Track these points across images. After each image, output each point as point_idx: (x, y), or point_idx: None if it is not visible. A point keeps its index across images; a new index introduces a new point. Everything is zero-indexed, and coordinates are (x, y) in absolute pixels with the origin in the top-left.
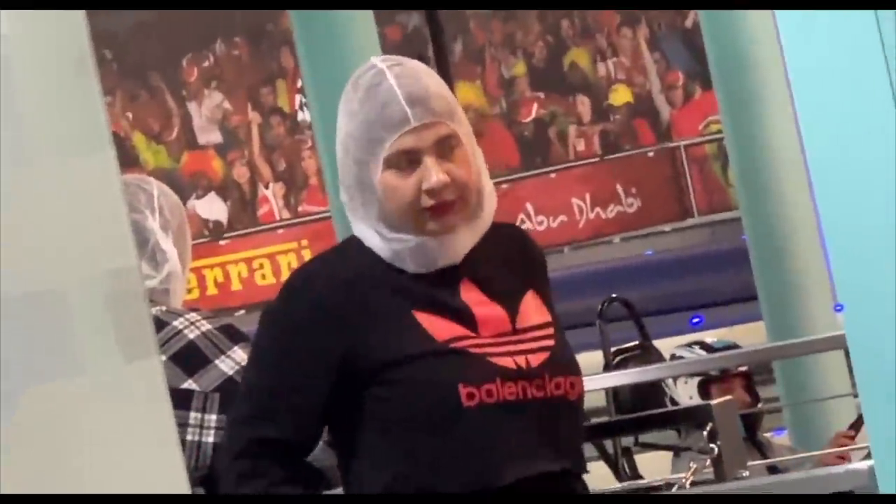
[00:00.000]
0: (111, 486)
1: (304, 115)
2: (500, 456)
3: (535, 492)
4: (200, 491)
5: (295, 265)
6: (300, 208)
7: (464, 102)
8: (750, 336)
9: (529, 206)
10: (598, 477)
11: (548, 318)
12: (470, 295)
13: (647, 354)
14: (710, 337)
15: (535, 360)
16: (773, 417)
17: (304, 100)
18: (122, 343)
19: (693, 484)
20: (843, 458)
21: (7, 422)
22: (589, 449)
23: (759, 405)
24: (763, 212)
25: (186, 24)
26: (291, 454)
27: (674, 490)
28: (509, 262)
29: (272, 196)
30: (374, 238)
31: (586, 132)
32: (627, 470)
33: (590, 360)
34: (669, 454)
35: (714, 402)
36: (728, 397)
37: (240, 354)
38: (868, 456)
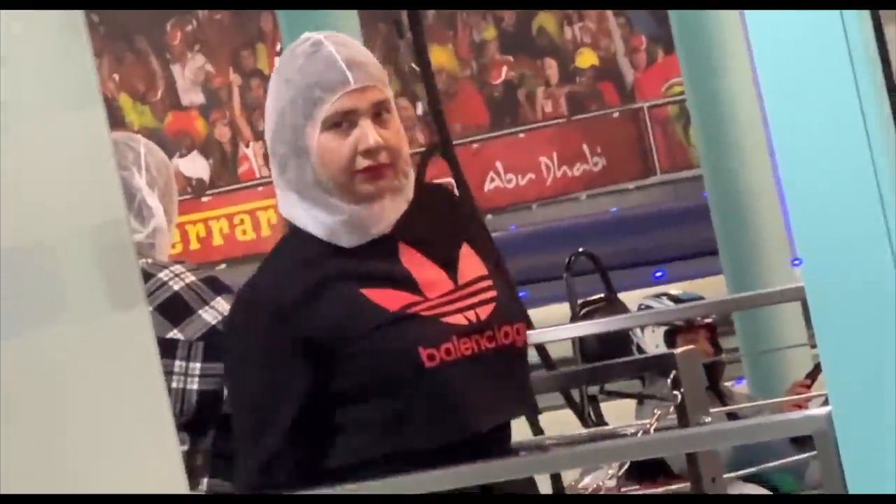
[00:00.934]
0: (99, 429)
1: None
2: (467, 408)
3: (502, 439)
4: (185, 436)
5: (273, 221)
6: None
7: (436, 65)
8: (710, 289)
9: (499, 165)
10: (565, 423)
11: (485, 270)
12: (410, 259)
13: (612, 306)
14: (674, 290)
15: (484, 312)
16: (732, 368)
17: None
18: (112, 293)
19: (657, 430)
20: (799, 405)
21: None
22: (556, 397)
23: (721, 355)
24: (723, 170)
25: None
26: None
27: (639, 434)
28: (440, 220)
29: (252, 154)
30: (303, 213)
31: (554, 94)
32: (593, 417)
33: (558, 311)
34: (633, 402)
35: (678, 350)
36: (692, 346)
37: (222, 305)
38: (825, 403)
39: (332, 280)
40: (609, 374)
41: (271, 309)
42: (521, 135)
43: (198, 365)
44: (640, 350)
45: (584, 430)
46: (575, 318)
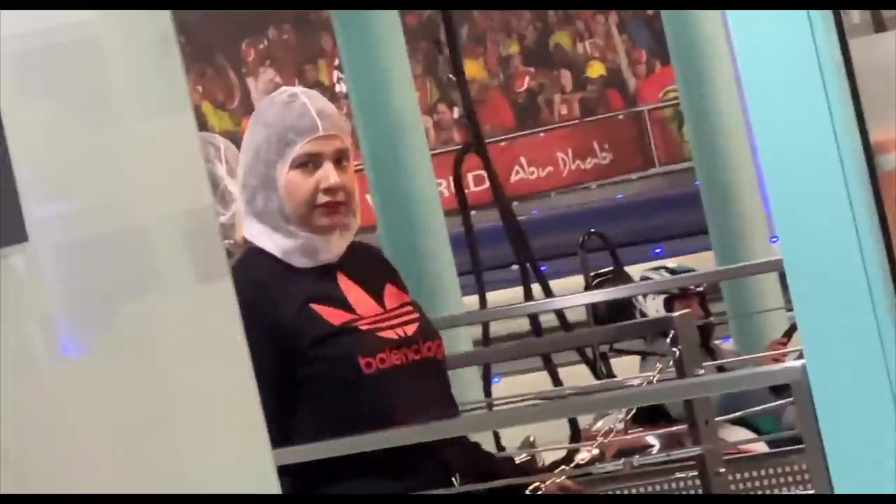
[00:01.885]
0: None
1: (340, 88)
2: (399, 409)
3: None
4: None
5: None
6: None
7: (469, 76)
8: (701, 263)
9: (523, 160)
10: (580, 377)
11: (407, 299)
12: (345, 286)
13: (618, 278)
14: (671, 263)
15: (410, 330)
16: (721, 328)
17: (340, 75)
18: (200, 269)
19: (659, 381)
20: (777, 360)
21: (105, 333)
22: (572, 354)
23: (711, 318)
24: (712, 163)
25: (244, 14)
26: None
27: (643, 385)
28: (369, 264)
29: None
30: (265, 237)
31: (568, 99)
32: (604, 371)
33: (573, 282)
34: (637, 358)
35: (676, 314)
36: (687, 310)
37: None
38: (800, 357)
39: (286, 290)
40: (617, 335)
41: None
42: (542, 134)
43: None
44: (643, 315)
45: (596, 382)
46: (588, 287)
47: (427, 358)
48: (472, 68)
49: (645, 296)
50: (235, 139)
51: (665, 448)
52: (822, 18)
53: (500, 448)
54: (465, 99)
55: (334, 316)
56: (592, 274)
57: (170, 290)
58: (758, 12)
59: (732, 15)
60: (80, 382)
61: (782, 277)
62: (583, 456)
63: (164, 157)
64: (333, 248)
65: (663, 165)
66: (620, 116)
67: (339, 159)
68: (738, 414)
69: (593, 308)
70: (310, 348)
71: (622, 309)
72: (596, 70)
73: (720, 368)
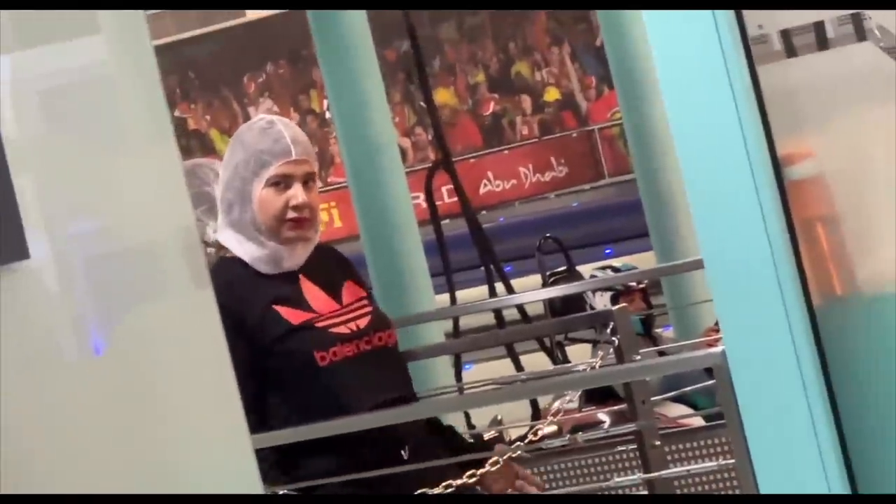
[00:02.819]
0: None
1: (329, 115)
2: (353, 395)
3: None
4: None
5: (326, 220)
6: (329, 179)
7: (441, 102)
8: (644, 262)
9: (490, 174)
10: (539, 363)
11: (363, 293)
12: (306, 288)
13: (572, 276)
14: (616, 263)
15: (362, 323)
16: (662, 318)
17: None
18: (185, 279)
19: (602, 366)
20: (710, 345)
21: (114, 331)
22: (533, 343)
23: (653, 310)
24: (651, 174)
25: (246, 52)
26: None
27: (588, 370)
28: (330, 265)
29: None
30: (237, 244)
31: (528, 121)
32: (560, 357)
33: (531, 280)
34: (590, 346)
35: (614, 308)
36: (624, 305)
37: None
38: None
39: (253, 292)
40: (567, 327)
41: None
42: (506, 152)
43: None
44: (592, 308)
45: (551, 367)
46: (545, 285)
47: (377, 347)
48: (444, 95)
49: (594, 292)
50: None
51: (615, 424)
52: (733, 48)
53: (471, 426)
54: (434, 123)
55: (294, 316)
56: (548, 273)
57: (158, 300)
58: (678, 48)
59: (657, 48)
60: (75, 385)
61: None
62: (545, 431)
63: (150, 181)
64: (297, 257)
65: (612, 177)
66: (574, 135)
67: (307, 181)
68: (674, 393)
69: (549, 303)
70: (273, 344)
71: (574, 304)
72: (552, 95)
73: (661, 353)
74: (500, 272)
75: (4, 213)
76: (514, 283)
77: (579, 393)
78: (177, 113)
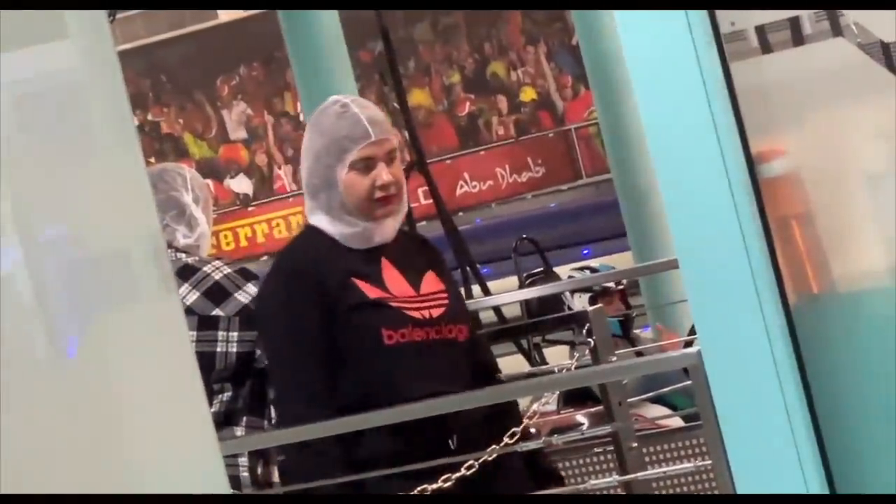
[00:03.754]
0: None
1: (304, 117)
2: (407, 380)
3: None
4: (228, 385)
5: (302, 223)
6: None
7: (416, 103)
8: (623, 262)
9: (466, 175)
10: (516, 365)
11: (443, 287)
12: (387, 269)
13: (548, 277)
14: (595, 263)
15: (435, 312)
16: (641, 319)
17: None
18: (153, 285)
19: (578, 368)
20: (689, 344)
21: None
22: (509, 346)
23: (632, 312)
24: (627, 174)
25: (219, 55)
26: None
27: (563, 371)
28: (415, 253)
29: (284, 174)
30: (329, 224)
31: (505, 121)
32: (538, 359)
33: (508, 282)
34: (567, 348)
35: (590, 308)
36: (600, 305)
37: (252, 289)
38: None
39: (334, 263)
40: (544, 328)
41: (291, 268)
42: (482, 153)
43: (235, 334)
44: (570, 310)
45: (529, 368)
46: (522, 286)
47: (447, 339)
48: (419, 96)
49: (572, 293)
50: (214, 165)
51: (594, 426)
52: (706, 45)
53: None
54: (408, 125)
55: (370, 290)
56: (525, 274)
57: (126, 305)
58: (650, 46)
59: (628, 46)
60: (44, 389)
61: None
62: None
63: (115, 187)
64: (387, 232)
65: (590, 177)
66: (551, 135)
67: (390, 158)
68: (652, 394)
69: (526, 304)
70: (345, 315)
71: (552, 305)
72: (528, 95)
73: (639, 354)
74: (477, 274)
75: None
76: (492, 284)
77: (556, 395)
78: (149, 117)
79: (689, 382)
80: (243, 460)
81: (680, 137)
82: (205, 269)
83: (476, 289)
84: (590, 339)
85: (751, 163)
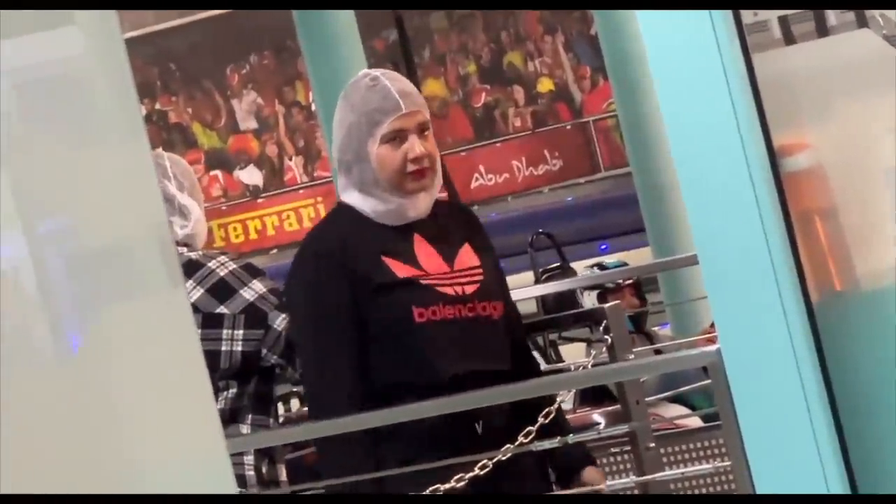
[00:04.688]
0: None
1: (316, 107)
2: (441, 358)
3: (473, 386)
4: (234, 382)
5: (313, 216)
6: (315, 174)
7: (431, 93)
8: (641, 257)
9: (482, 167)
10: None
11: (478, 262)
12: (419, 245)
13: (565, 273)
14: (608, 260)
15: (469, 289)
16: (660, 316)
17: None
18: (159, 277)
19: (595, 366)
20: (711, 341)
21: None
22: None
23: (646, 307)
24: (646, 167)
25: (228, 43)
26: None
27: (580, 369)
28: (450, 224)
29: (295, 166)
30: (361, 201)
31: (521, 113)
32: (553, 356)
33: (524, 277)
34: (583, 345)
35: (606, 305)
36: (617, 302)
37: (258, 285)
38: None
39: (366, 241)
40: (558, 325)
41: (319, 247)
42: (498, 144)
43: (241, 332)
44: (583, 307)
45: (546, 366)
46: (537, 281)
47: (481, 316)
48: (434, 86)
49: (582, 290)
50: (223, 155)
51: (610, 425)
52: (727, 36)
53: None
54: None
55: (401, 269)
56: (541, 269)
57: (132, 297)
58: (671, 37)
59: (648, 36)
60: (48, 384)
61: None
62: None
63: (122, 178)
64: (420, 208)
65: (608, 170)
66: (568, 127)
67: (422, 130)
68: (670, 393)
69: (542, 301)
70: (376, 293)
71: (568, 302)
72: (545, 86)
73: (657, 352)
74: None
75: None
76: (507, 280)
77: (573, 393)
78: (158, 106)
79: (707, 381)
80: (249, 459)
81: (701, 130)
82: (209, 264)
83: None
84: (606, 337)
85: (773, 156)
